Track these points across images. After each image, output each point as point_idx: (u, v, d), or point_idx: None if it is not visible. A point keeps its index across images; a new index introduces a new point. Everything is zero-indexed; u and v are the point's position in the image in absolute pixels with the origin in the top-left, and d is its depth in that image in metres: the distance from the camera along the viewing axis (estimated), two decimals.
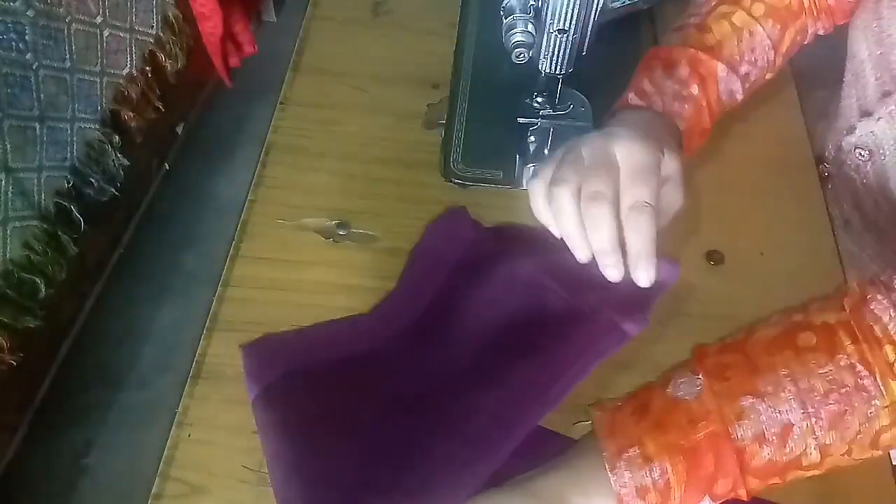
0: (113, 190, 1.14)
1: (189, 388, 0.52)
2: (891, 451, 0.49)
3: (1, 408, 1.05)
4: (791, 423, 0.40)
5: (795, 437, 0.40)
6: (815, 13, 0.58)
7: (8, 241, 0.92)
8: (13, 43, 0.90)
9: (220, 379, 0.52)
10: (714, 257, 0.58)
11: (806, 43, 0.60)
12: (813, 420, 0.40)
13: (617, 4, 0.64)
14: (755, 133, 0.66)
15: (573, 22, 0.59)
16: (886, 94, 0.54)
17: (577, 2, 0.57)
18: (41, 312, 1.00)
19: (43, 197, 0.98)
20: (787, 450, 0.41)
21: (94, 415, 1.27)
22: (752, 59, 0.55)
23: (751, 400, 0.41)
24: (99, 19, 1.06)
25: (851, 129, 0.59)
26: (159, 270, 1.45)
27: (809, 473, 0.42)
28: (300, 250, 0.58)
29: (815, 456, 0.41)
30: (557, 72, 0.63)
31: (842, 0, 0.58)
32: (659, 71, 0.54)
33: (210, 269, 1.34)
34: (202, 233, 1.51)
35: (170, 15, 1.23)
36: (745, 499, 0.42)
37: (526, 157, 0.64)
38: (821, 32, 0.60)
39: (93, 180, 1.09)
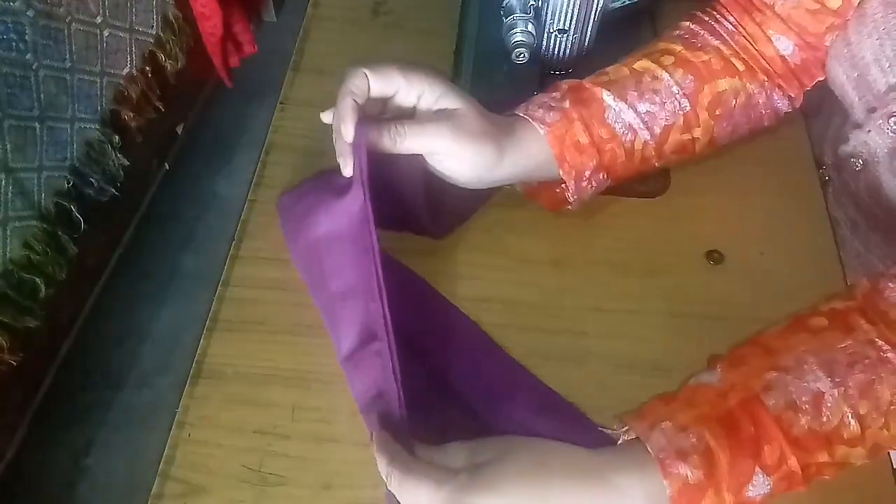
0: (113, 190, 1.14)
1: (189, 388, 0.52)
2: (891, 452, 0.49)
3: (1, 408, 1.05)
4: (821, 391, 0.40)
5: (829, 404, 0.39)
6: (766, 78, 0.56)
7: (8, 241, 0.92)
8: (13, 43, 0.90)
9: (220, 379, 0.52)
10: (714, 257, 0.58)
11: (776, 108, 0.58)
12: (842, 389, 0.39)
13: (617, 4, 0.64)
14: (756, 132, 0.66)
15: (573, 22, 0.59)
16: (872, 110, 0.54)
17: (577, 2, 0.57)
18: (41, 312, 1.00)
19: (43, 197, 0.98)
20: (825, 419, 0.39)
21: (94, 415, 1.27)
22: (657, 100, 0.54)
23: (774, 374, 0.41)
24: (99, 19, 1.06)
25: (845, 140, 0.59)
26: (159, 270, 1.45)
27: (856, 453, 0.40)
28: None
29: (854, 427, 0.40)
30: (557, 72, 0.63)
31: (807, 60, 0.56)
32: (536, 95, 0.54)
33: (210, 269, 1.34)
34: (202, 233, 1.51)
35: (170, 15, 1.23)
36: (799, 478, 0.40)
37: None
38: (784, 105, 0.58)
39: (93, 180, 1.09)
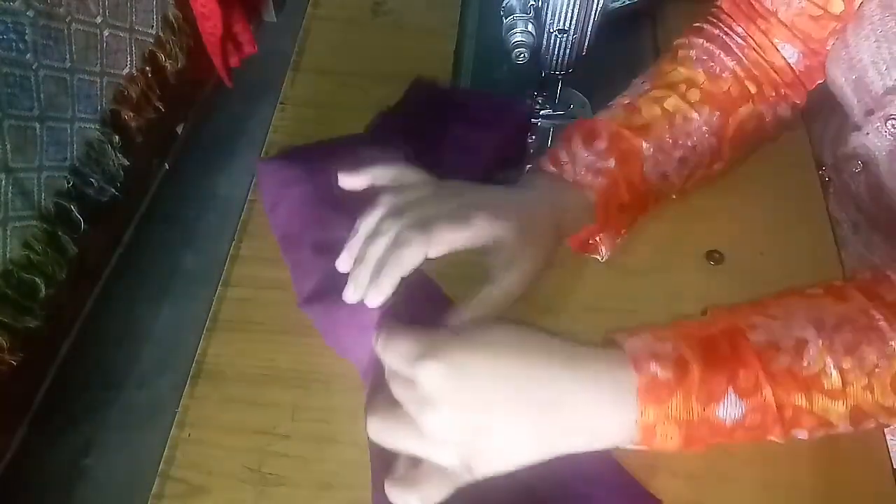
0: (113, 190, 1.14)
1: (189, 388, 0.52)
2: (891, 452, 0.49)
3: (1, 408, 1.05)
4: (805, 339, 0.40)
5: (811, 353, 0.39)
6: (774, 93, 0.57)
7: (8, 241, 0.93)
8: (13, 43, 0.90)
9: (220, 379, 0.52)
10: (714, 257, 0.58)
11: (781, 118, 0.58)
12: (828, 342, 0.40)
13: (617, 4, 0.64)
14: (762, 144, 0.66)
15: (573, 22, 0.59)
16: (870, 112, 0.54)
17: (577, 2, 0.57)
18: (41, 312, 1.00)
19: (43, 197, 0.98)
20: (805, 363, 0.39)
21: (94, 415, 1.27)
22: (689, 144, 0.54)
23: (761, 318, 0.41)
24: (99, 19, 1.06)
25: (844, 141, 0.60)
26: (159, 270, 1.45)
27: (836, 409, 0.40)
28: None
29: (836, 379, 0.39)
30: (557, 72, 0.63)
31: (810, 66, 0.57)
32: (578, 141, 0.54)
33: (210, 269, 1.34)
34: (202, 233, 1.51)
35: (170, 15, 1.23)
36: (774, 414, 0.39)
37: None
38: (788, 114, 0.59)
39: (93, 180, 1.09)
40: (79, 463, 1.23)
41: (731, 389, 0.39)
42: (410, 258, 0.43)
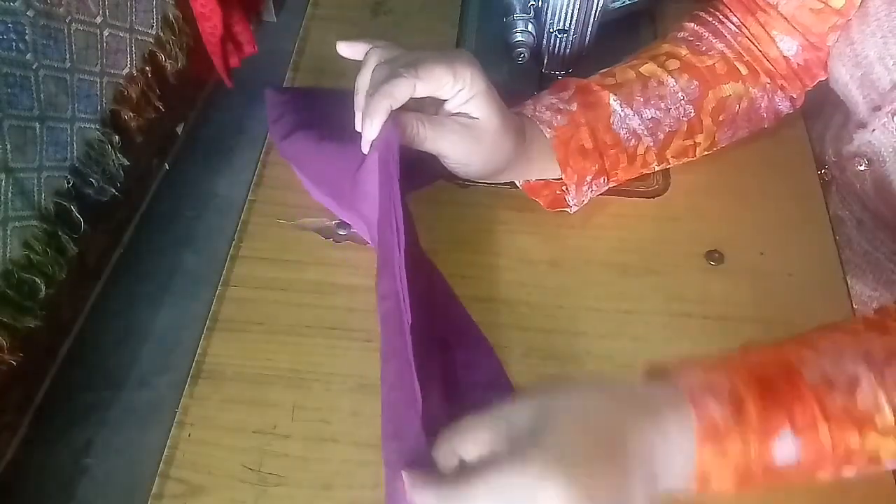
0: (113, 190, 1.14)
1: (189, 388, 0.52)
2: None
3: (1, 408, 1.05)
4: (857, 375, 0.38)
5: (864, 390, 0.38)
6: (769, 81, 0.57)
7: (8, 241, 0.93)
8: (13, 43, 0.90)
9: (220, 379, 0.52)
10: (714, 257, 0.58)
11: (777, 109, 0.58)
12: (879, 376, 0.38)
13: (617, 4, 0.64)
14: (755, 133, 0.66)
15: (573, 22, 0.59)
16: (877, 108, 0.54)
17: (577, 2, 0.57)
18: (41, 312, 1.00)
19: (43, 197, 0.98)
20: (858, 401, 0.38)
21: (94, 415, 1.27)
22: (662, 105, 0.54)
23: (811, 353, 0.40)
24: (99, 19, 1.06)
25: (848, 139, 0.59)
26: (159, 270, 1.45)
27: (887, 446, 0.39)
28: (300, 250, 0.58)
29: (888, 415, 0.38)
30: (557, 72, 0.63)
31: (809, 60, 0.57)
32: (545, 92, 0.54)
33: (210, 269, 1.34)
34: (202, 233, 1.51)
35: (170, 15, 1.23)
36: (829, 454, 0.38)
37: None
38: (785, 106, 0.59)
39: (93, 180, 1.09)
40: (79, 463, 1.23)
41: (787, 424, 0.37)
42: (401, 90, 0.45)
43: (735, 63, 0.56)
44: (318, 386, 0.52)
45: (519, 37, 0.59)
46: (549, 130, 0.52)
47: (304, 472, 0.48)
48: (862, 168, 0.59)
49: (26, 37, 0.92)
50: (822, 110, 0.68)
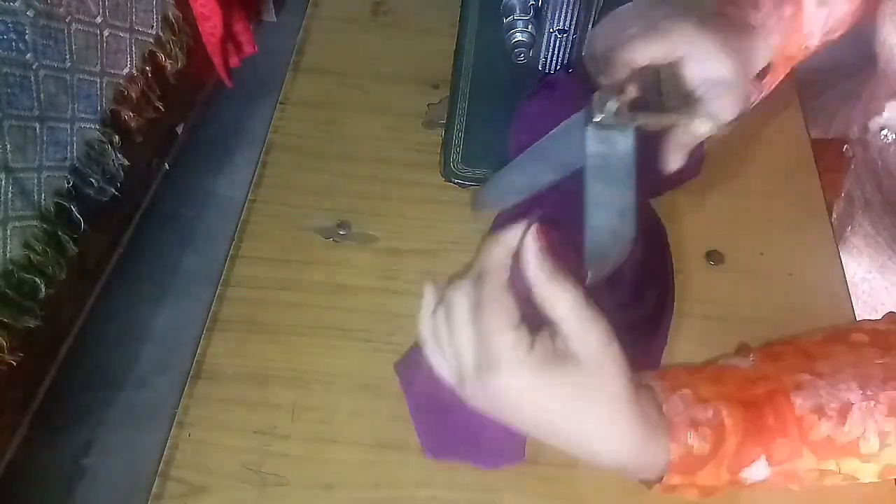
0: (113, 190, 1.14)
1: (189, 388, 0.52)
2: None
3: (1, 408, 1.05)
4: (851, 402, 0.39)
5: (854, 417, 0.39)
6: None
7: (8, 241, 0.92)
8: (13, 43, 0.90)
9: (220, 379, 0.52)
10: (714, 257, 0.58)
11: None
12: (872, 403, 0.39)
13: None
14: (755, 133, 0.66)
15: (573, 22, 0.59)
16: None
17: (577, 2, 0.57)
18: (41, 312, 1.00)
19: (43, 197, 0.98)
20: (846, 429, 0.39)
21: (94, 415, 1.27)
22: None
23: (808, 376, 0.40)
24: (99, 19, 1.06)
25: (880, 110, 0.59)
26: (159, 270, 1.45)
27: (867, 470, 0.40)
28: (300, 250, 0.58)
29: (873, 443, 0.39)
30: (557, 72, 0.63)
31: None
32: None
33: (210, 269, 1.34)
34: (202, 233, 1.51)
35: (170, 15, 1.23)
36: (798, 479, 0.39)
37: None
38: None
39: (93, 180, 1.09)
40: (79, 463, 1.23)
41: (763, 457, 0.38)
42: None
43: None
44: (318, 386, 0.52)
45: (519, 37, 0.59)
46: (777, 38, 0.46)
47: (304, 472, 0.48)
48: (889, 140, 0.58)
49: (26, 37, 0.92)
50: (855, 87, 0.67)
